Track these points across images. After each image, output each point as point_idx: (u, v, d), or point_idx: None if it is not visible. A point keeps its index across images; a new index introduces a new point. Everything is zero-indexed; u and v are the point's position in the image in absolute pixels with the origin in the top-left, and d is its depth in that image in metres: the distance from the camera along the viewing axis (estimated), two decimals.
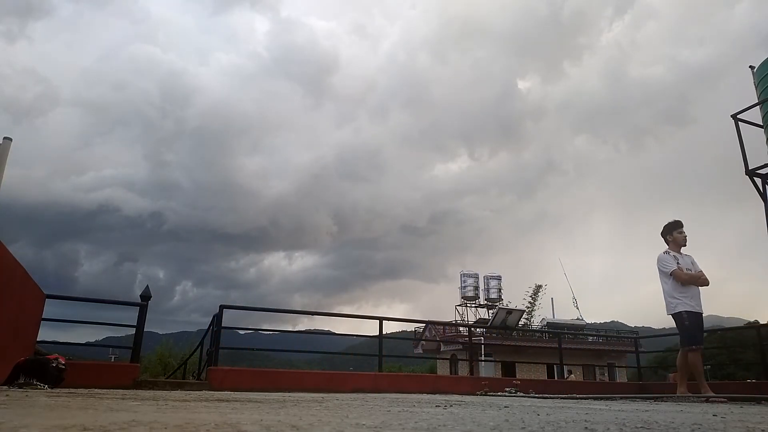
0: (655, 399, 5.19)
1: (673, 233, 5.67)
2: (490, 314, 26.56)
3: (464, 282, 30.52)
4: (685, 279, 5.42)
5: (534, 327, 27.19)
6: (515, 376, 10.18)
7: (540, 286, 32.66)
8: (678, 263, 5.53)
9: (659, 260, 5.64)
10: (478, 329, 24.05)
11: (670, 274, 5.47)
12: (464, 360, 20.96)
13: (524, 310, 24.64)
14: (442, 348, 26.81)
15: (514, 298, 31.40)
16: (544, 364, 19.69)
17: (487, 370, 21.21)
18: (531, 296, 32.23)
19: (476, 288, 30.47)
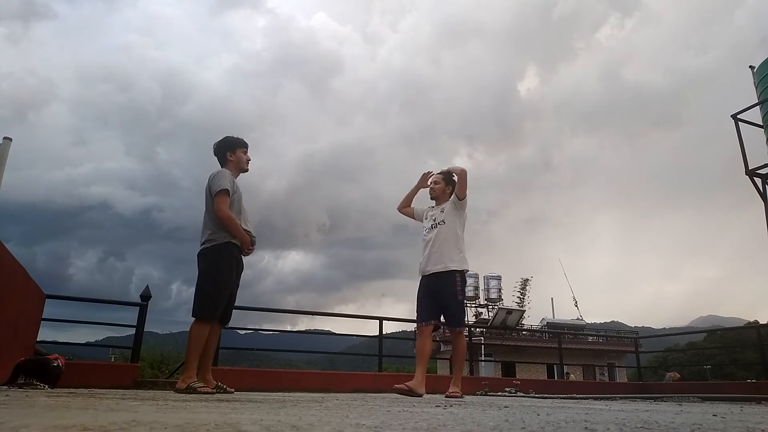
0: (655, 399, 5.19)
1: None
2: (490, 314, 26.55)
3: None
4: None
5: (528, 325, 27.03)
6: (515, 376, 10.19)
7: (527, 280, 32.27)
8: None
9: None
10: (477, 329, 24.05)
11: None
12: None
13: (524, 310, 24.61)
14: (442, 348, 26.79)
15: (508, 297, 31.17)
16: (544, 364, 19.69)
17: (487, 370, 21.21)
18: (519, 291, 31.93)
19: (476, 288, 30.47)
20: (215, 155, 3.96)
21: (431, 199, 4.61)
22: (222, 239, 3.64)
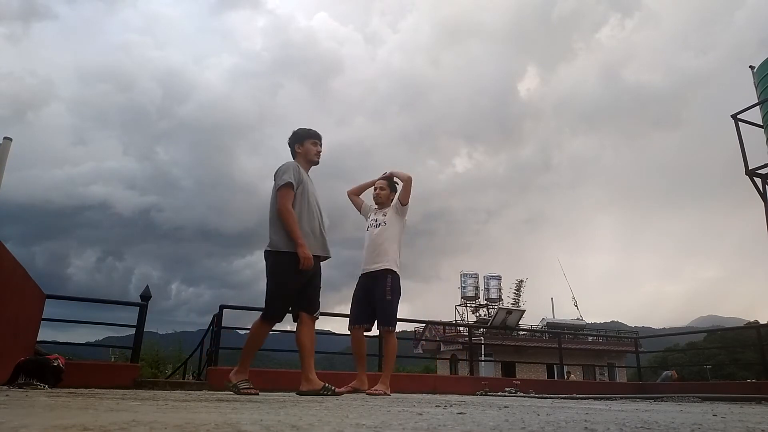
0: (655, 399, 5.19)
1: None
2: (490, 314, 26.53)
3: (464, 282, 30.52)
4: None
5: (528, 325, 26.97)
6: (515, 376, 10.19)
7: (522, 281, 32.18)
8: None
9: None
10: (478, 329, 24.05)
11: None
12: (464, 360, 20.96)
13: (524, 310, 24.55)
14: (442, 348, 26.80)
15: (506, 297, 31.10)
16: (544, 364, 19.67)
17: (487, 370, 21.19)
18: (514, 292, 31.82)
19: (476, 288, 30.46)
20: (289, 147, 3.84)
21: (375, 204, 4.65)
22: (285, 247, 3.43)
